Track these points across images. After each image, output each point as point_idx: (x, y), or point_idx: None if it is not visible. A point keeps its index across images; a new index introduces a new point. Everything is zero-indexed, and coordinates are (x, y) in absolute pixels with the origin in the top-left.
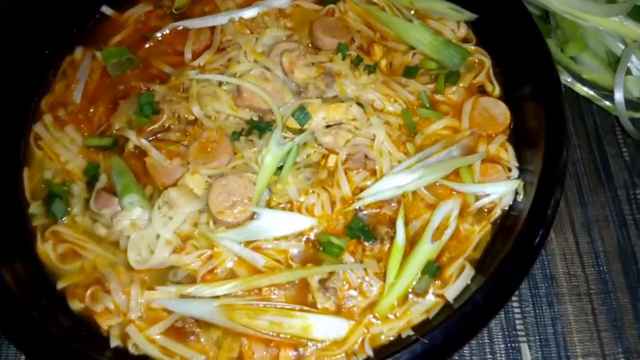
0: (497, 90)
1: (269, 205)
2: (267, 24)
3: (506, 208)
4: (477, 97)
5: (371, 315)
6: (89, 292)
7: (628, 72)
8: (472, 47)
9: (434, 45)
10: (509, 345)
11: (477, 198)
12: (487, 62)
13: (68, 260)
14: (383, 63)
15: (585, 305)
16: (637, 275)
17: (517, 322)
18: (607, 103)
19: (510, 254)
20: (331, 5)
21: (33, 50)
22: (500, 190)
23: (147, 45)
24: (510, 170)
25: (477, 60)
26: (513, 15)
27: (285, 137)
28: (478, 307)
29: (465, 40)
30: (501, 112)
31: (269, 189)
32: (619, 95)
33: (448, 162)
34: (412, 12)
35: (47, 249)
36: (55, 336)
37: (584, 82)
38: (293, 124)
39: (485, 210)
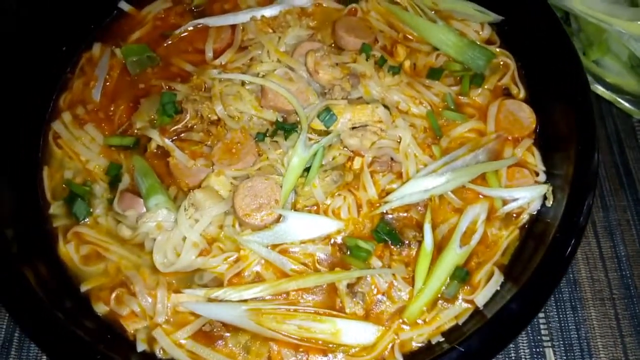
0: (523, 93)
1: (294, 208)
2: (290, 23)
3: (534, 213)
4: (502, 100)
5: (400, 321)
6: (114, 294)
7: None
8: (497, 49)
9: (459, 47)
10: (534, 350)
11: (505, 202)
12: (512, 64)
13: (91, 262)
14: (407, 64)
15: (609, 310)
16: None
17: (541, 326)
18: (629, 106)
19: (543, 262)
20: (353, 5)
21: (50, 46)
22: (529, 195)
23: (166, 43)
24: (537, 174)
25: (502, 63)
26: (539, 17)
27: (310, 139)
28: (513, 316)
29: (489, 41)
30: (526, 116)
31: (295, 192)
32: None
33: (476, 166)
34: (434, 12)
35: (69, 251)
36: (80, 340)
37: (606, 84)
38: (318, 125)
39: (514, 215)
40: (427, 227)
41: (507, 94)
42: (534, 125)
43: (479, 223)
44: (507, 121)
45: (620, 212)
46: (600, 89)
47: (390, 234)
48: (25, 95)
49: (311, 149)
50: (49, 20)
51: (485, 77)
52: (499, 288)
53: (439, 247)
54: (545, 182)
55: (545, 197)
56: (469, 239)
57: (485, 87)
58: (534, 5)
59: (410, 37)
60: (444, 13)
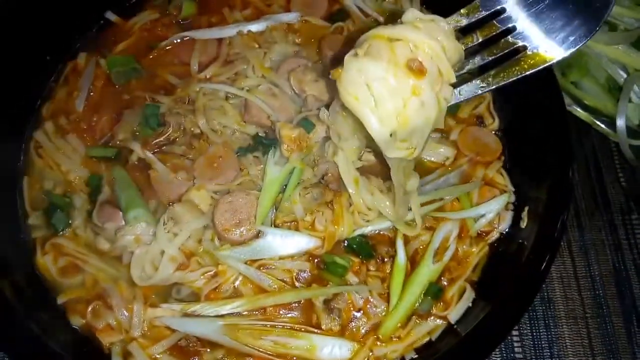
0: (497, 123)
1: (274, 224)
2: (276, 39)
3: (504, 231)
4: (465, 127)
5: (375, 337)
6: (90, 307)
7: (629, 100)
8: None
9: None
10: None
11: (476, 220)
12: (488, 94)
13: (69, 274)
14: None
15: (582, 328)
16: (632, 299)
17: (515, 344)
18: (606, 128)
19: (518, 279)
20: (340, 23)
21: (34, 55)
22: (493, 207)
23: (152, 55)
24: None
25: None
26: None
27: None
28: (486, 333)
29: None
30: (493, 140)
31: (275, 207)
32: (620, 123)
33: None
34: None
35: (47, 262)
36: (55, 352)
37: (584, 106)
38: (289, 134)
39: (485, 232)
40: (400, 243)
41: (480, 123)
42: (501, 148)
43: (451, 240)
44: (476, 145)
45: (595, 232)
46: (578, 111)
47: (360, 244)
48: (7, 104)
49: (284, 168)
50: (34, 28)
51: (460, 105)
52: (470, 304)
53: (412, 262)
54: (516, 202)
55: (520, 218)
56: (441, 255)
57: (459, 115)
58: None
59: None
60: None
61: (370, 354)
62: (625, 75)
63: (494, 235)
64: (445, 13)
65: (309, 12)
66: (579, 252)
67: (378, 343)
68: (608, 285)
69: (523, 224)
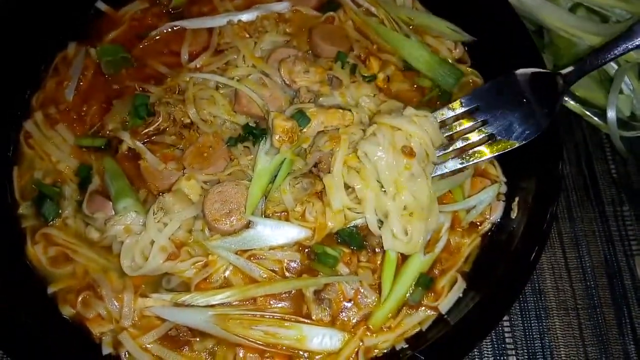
0: None
1: (265, 214)
2: (266, 29)
3: (496, 222)
4: None
5: (365, 327)
6: (80, 297)
7: (619, 91)
8: (468, 69)
9: (430, 64)
10: (498, 358)
11: (468, 211)
12: (481, 83)
13: (59, 264)
14: (381, 77)
15: (573, 319)
16: (623, 291)
17: (506, 335)
18: (598, 120)
19: (507, 269)
20: (331, 13)
21: (24, 44)
22: (484, 198)
23: (142, 44)
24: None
25: (471, 81)
26: (512, 37)
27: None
28: (476, 323)
29: (460, 60)
30: None
31: (265, 197)
32: (611, 114)
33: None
34: (410, 27)
35: (37, 252)
36: (45, 342)
37: (575, 98)
38: (282, 124)
39: (477, 223)
40: None
41: None
42: None
43: (442, 231)
44: None
45: (586, 224)
46: (570, 103)
47: (351, 235)
48: None
49: (274, 159)
50: (24, 18)
51: (453, 94)
52: (461, 295)
53: (403, 254)
54: (507, 194)
55: (511, 209)
56: (432, 246)
57: None
58: (507, 24)
59: (383, 49)
60: (420, 28)
61: (361, 344)
62: (616, 67)
63: (486, 226)
64: (438, 7)
65: (300, 1)
66: (570, 244)
67: (368, 333)
68: (599, 277)
69: (513, 215)
